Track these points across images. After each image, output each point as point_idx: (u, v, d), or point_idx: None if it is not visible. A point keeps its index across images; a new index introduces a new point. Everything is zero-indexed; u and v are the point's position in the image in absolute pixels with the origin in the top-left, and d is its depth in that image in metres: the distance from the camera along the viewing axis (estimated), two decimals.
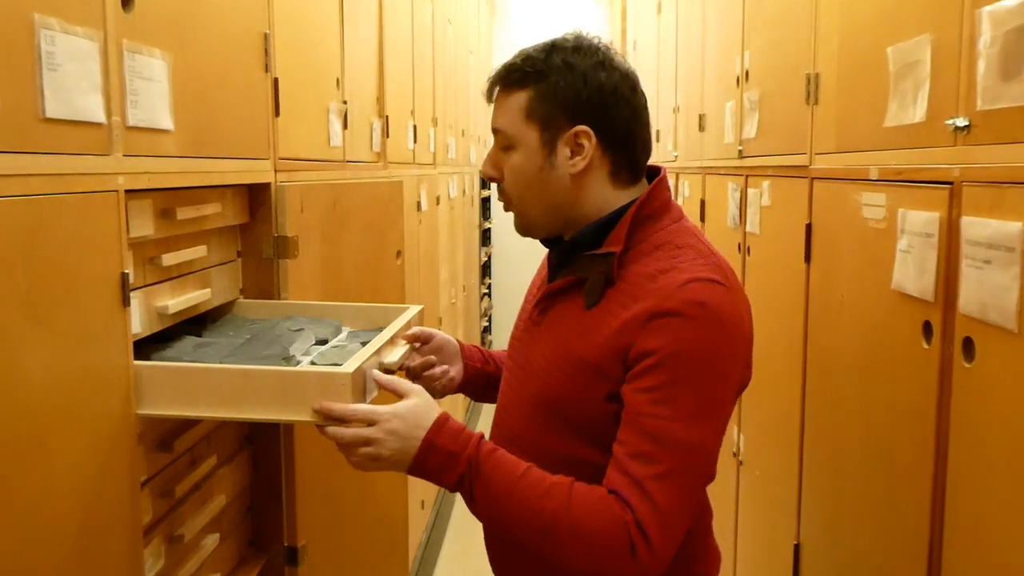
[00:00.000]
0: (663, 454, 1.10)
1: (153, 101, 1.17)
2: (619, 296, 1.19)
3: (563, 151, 1.23)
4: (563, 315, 1.27)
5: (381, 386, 1.24)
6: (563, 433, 1.23)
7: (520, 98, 1.24)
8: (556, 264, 1.33)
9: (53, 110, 0.95)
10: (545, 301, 1.31)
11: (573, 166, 1.23)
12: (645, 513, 1.09)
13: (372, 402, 1.22)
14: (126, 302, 1.10)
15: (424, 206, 3.27)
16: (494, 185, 1.31)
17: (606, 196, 1.26)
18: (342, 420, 1.15)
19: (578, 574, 1.14)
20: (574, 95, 1.22)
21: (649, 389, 1.12)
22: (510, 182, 1.28)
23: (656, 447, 1.10)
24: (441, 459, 1.15)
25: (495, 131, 1.28)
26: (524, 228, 1.32)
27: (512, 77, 1.26)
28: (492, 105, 1.30)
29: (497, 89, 1.28)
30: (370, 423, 1.15)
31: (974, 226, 1.08)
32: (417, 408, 1.18)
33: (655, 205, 1.25)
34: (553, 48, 1.25)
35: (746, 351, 1.22)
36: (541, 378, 1.26)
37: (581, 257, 1.26)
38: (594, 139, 1.23)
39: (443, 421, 1.18)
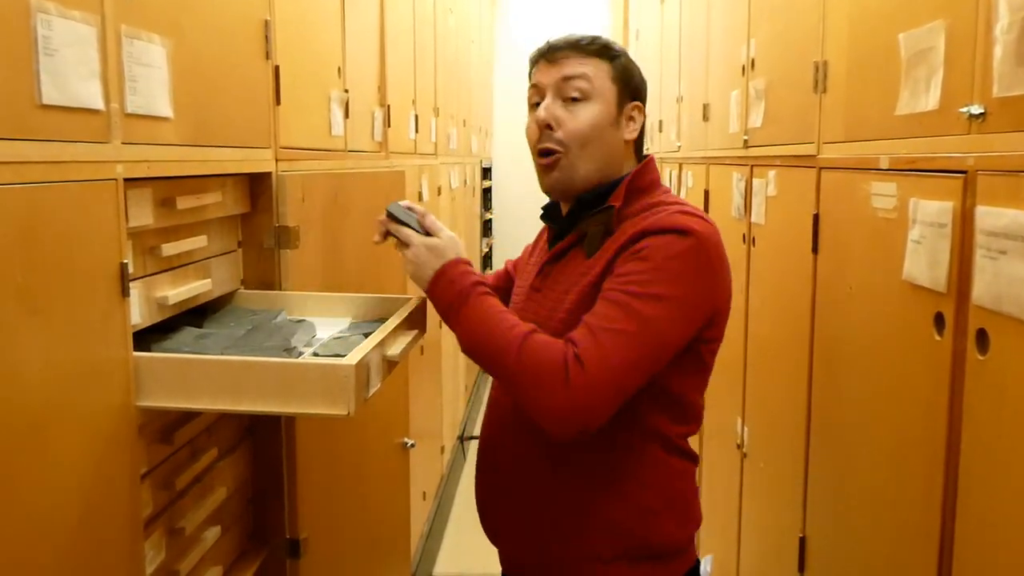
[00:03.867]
0: (621, 316, 1.23)
1: (152, 88, 1.15)
2: (615, 239, 1.34)
3: (625, 118, 1.43)
4: (564, 271, 1.41)
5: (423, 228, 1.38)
6: None
7: (603, 63, 1.41)
8: (557, 233, 1.47)
9: (50, 96, 0.93)
10: (547, 266, 1.45)
11: (631, 132, 1.44)
12: (587, 347, 1.21)
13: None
14: (125, 292, 1.09)
15: (426, 196, 3.25)
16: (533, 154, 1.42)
17: (631, 167, 1.44)
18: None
19: (522, 398, 1.25)
20: (636, 79, 1.45)
21: (624, 275, 1.27)
22: (574, 130, 1.39)
23: (616, 311, 1.24)
24: (444, 286, 1.32)
25: (568, 79, 1.39)
26: (564, 183, 1.41)
27: (593, 47, 1.41)
28: (550, 64, 1.41)
29: (570, 53, 1.40)
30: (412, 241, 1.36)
31: (989, 216, 1.06)
32: (440, 244, 1.36)
33: (647, 178, 1.43)
34: (611, 41, 1.44)
35: (723, 274, 1.35)
36: (551, 316, 1.37)
37: (583, 218, 1.40)
38: (641, 117, 1.45)
39: (458, 261, 1.34)
